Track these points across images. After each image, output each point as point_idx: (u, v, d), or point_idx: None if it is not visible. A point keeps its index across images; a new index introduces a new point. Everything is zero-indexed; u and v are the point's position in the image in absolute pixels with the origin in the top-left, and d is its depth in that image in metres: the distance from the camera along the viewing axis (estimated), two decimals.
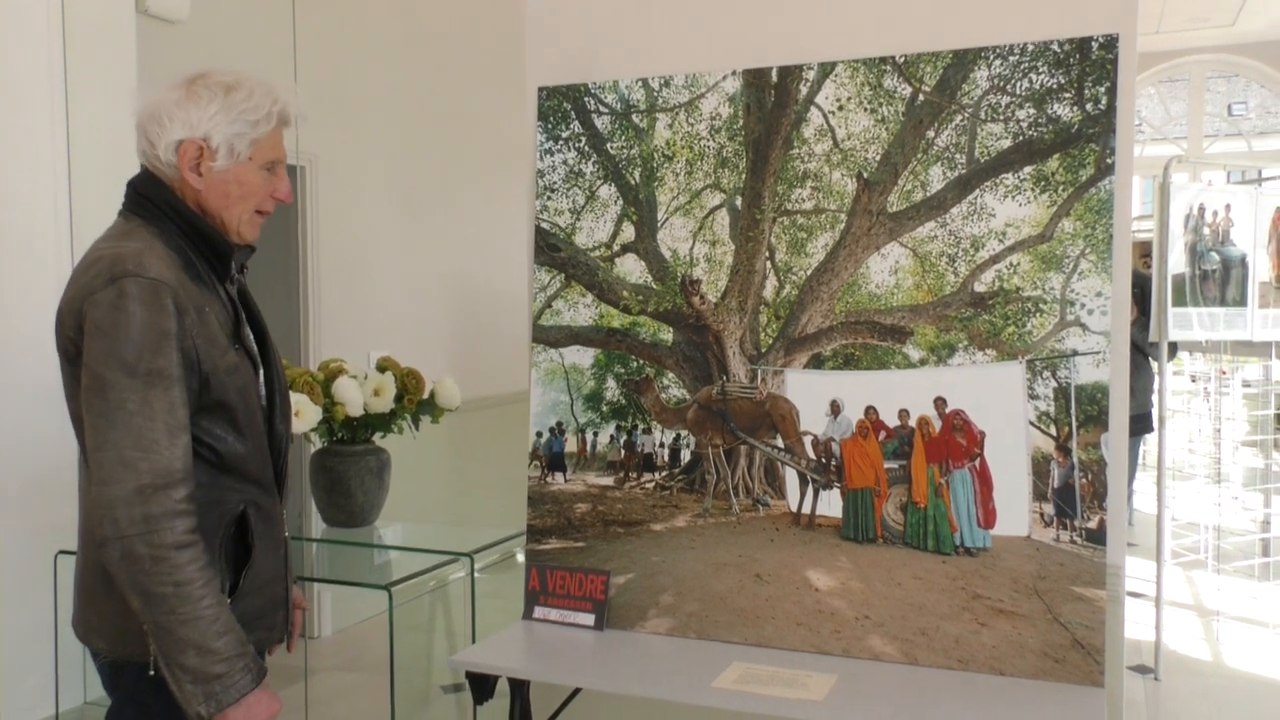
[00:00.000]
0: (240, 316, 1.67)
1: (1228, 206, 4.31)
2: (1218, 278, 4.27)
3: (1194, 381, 8.67)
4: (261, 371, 1.70)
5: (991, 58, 2.11)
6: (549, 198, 2.47)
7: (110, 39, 3.43)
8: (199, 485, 1.54)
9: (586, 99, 2.44)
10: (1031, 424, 2.06)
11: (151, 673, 1.51)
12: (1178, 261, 4.17)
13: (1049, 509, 2.04)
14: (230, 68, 1.63)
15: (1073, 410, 2.03)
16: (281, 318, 4.46)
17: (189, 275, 1.57)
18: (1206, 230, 4.26)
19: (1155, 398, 4.95)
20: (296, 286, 4.50)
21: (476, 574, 2.69)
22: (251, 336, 1.71)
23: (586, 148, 2.44)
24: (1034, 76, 2.08)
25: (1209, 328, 4.20)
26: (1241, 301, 4.34)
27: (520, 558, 2.83)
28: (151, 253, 1.53)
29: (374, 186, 4.98)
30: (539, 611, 2.35)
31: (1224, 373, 6.41)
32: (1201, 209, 4.27)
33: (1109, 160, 2.02)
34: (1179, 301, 4.13)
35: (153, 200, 1.61)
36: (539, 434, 2.46)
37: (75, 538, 3.08)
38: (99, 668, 1.68)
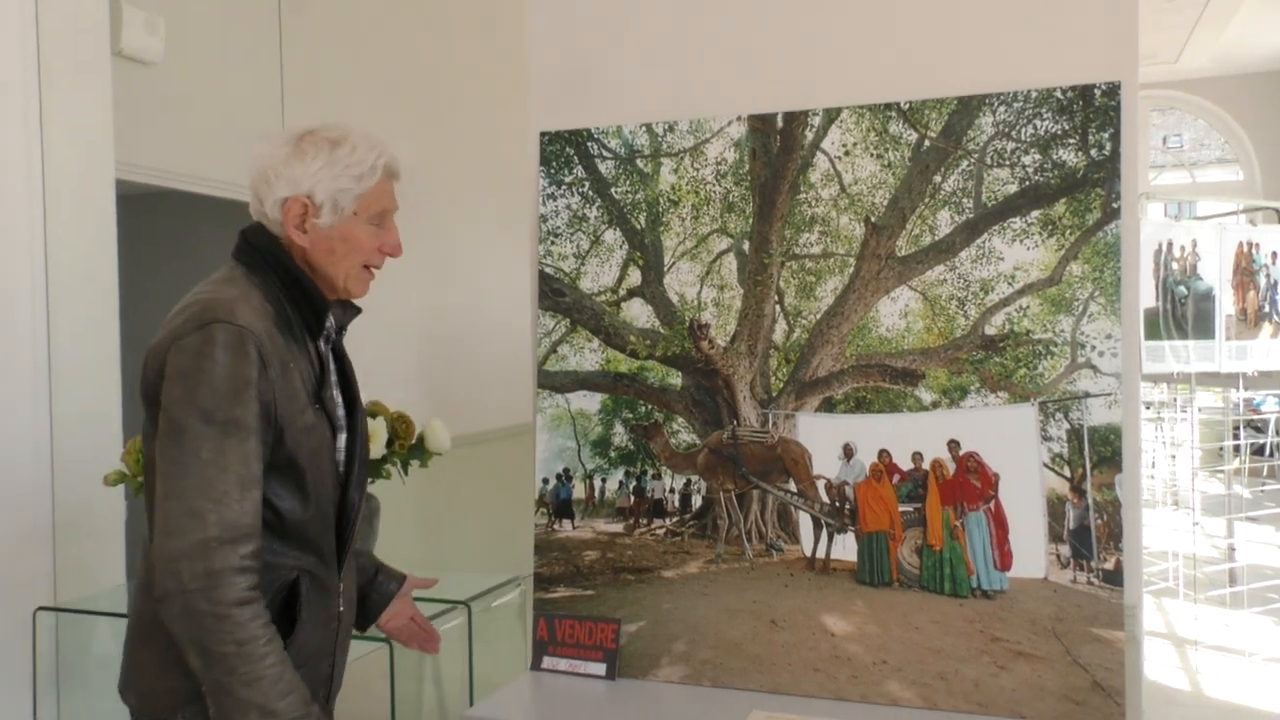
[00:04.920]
0: (326, 376, 1.61)
1: (1194, 242, 4.42)
2: (1187, 311, 4.36)
3: (1147, 409, 8.84)
4: (344, 436, 1.64)
5: (996, 104, 2.14)
6: (552, 242, 2.45)
7: (86, 81, 3.37)
8: None
9: (590, 144, 2.43)
10: (1045, 466, 2.07)
11: None
12: (1149, 296, 4.26)
13: (1065, 550, 2.05)
14: (338, 122, 1.59)
15: (1086, 451, 2.05)
16: None
17: (279, 328, 1.53)
18: (1175, 265, 4.36)
19: None
20: None
21: (460, 621, 2.63)
22: (337, 399, 1.65)
23: (590, 192, 2.43)
24: (1038, 123, 2.11)
25: (1182, 360, 4.29)
26: (1209, 334, 4.44)
27: (496, 603, 2.78)
28: (245, 302, 1.50)
29: None
30: (548, 661, 2.31)
31: (1175, 400, 6.56)
32: (1170, 244, 4.37)
33: (1114, 205, 2.05)
34: (1152, 335, 4.21)
35: (259, 251, 1.58)
36: (545, 480, 2.43)
37: (52, 593, 2.99)
38: None
